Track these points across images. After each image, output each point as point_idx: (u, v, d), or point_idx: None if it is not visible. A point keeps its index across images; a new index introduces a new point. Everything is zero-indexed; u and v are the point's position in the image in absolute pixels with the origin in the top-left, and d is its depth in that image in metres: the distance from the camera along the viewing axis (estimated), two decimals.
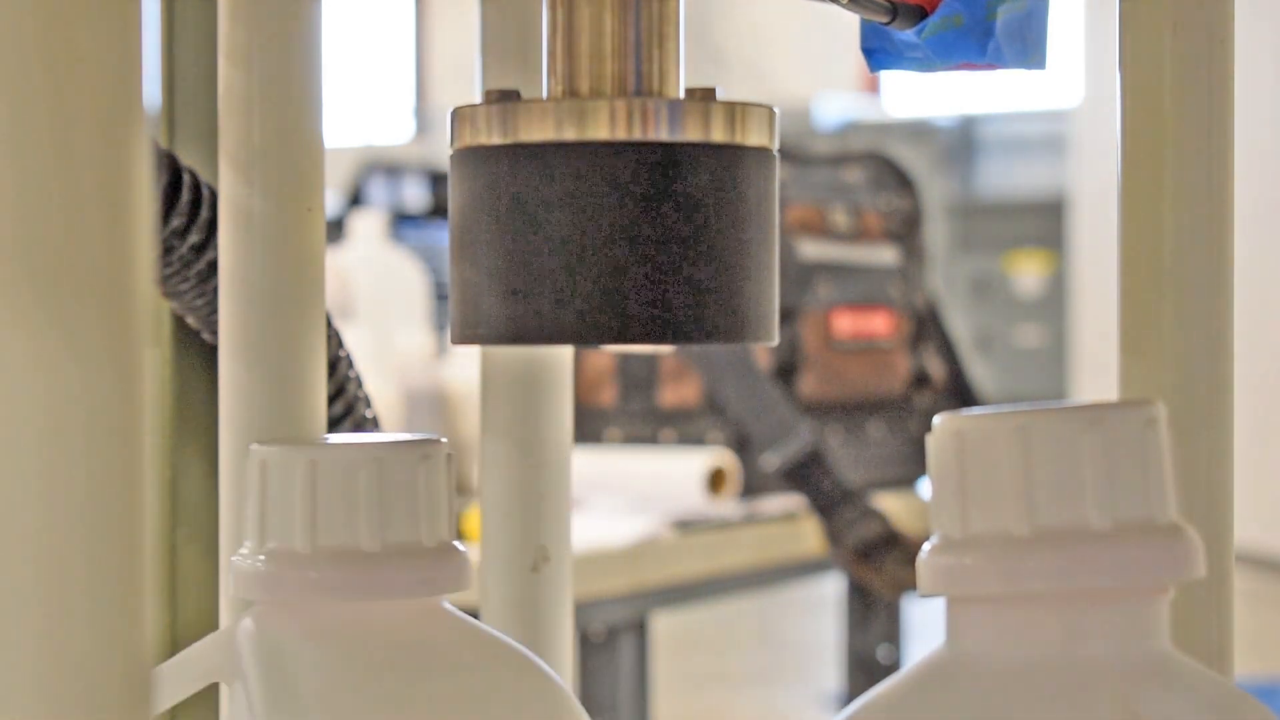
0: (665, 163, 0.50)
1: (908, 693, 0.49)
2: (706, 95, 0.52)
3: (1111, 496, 0.46)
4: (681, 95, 0.53)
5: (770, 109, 0.52)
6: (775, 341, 0.53)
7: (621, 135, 0.50)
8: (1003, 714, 0.47)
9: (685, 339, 0.51)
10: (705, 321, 0.51)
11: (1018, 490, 0.47)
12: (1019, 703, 0.47)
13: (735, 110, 0.51)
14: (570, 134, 0.50)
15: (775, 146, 0.53)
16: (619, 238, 0.50)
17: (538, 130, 0.50)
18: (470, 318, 0.52)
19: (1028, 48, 0.57)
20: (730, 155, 0.51)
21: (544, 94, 0.54)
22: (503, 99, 0.51)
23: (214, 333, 0.64)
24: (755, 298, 0.52)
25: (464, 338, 0.52)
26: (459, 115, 0.52)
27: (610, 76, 0.52)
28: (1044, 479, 0.46)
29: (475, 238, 0.51)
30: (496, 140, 0.51)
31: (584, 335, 0.50)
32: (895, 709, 0.48)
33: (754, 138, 0.52)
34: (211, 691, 0.65)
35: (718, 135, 0.51)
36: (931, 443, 0.48)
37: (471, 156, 0.51)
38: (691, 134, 0.51)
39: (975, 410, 0.48)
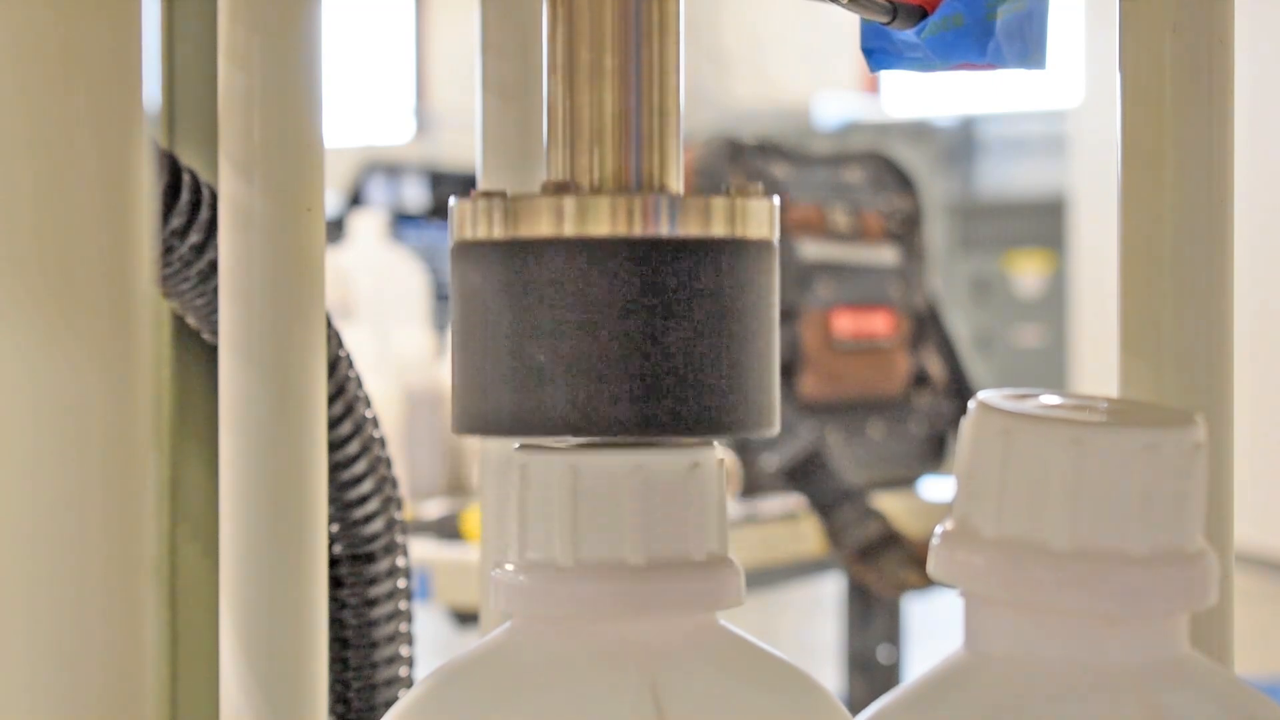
0: (665, 258, 0.50)
1: (929, 694, 0.49)
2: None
3: (1153, 521, 0.47)
4: (681, 190, 0.53)
5: (771, 201, 0.52)
6: (775, 432, 0.54)
7: (622, 231, 0.50)
8: (1029, 714, 0.47)
9: (684, 434, 0.51)
10: (705, 418, 0.51)
11: (1064, 503, 0.46)
12: (1044, 705, 0.47)
13: (736, 204, 0.51)
14: (570, 230, 0.50)
15: (775, 237, 0.53)
16: (619, 334, 0.50)
17: (538, 225, 0.51)
18: (471, 410, 0.52)
19: (1028, 48, 0.57)
20: (731, 249, 0.51)
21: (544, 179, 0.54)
22: (488, 198, 0.52)
23: (214, 333, 0.65)
24: (756, 391, 0.52)
25: (465, 428, 0.53)
26: (458, 209, 0.52)
27: (611, 170, 0.52)
28: (1092, 496, 0.46)
29: (476, 331, 0.52)
30: (497, 235, 0.51)
31: (583, 428, 0.50)
32: (917, 711, 0.49)
33: (754, 231, 0.52)
34: (212, 691, 0.65)
35: (718, 230, 0.51)
36: (969, 429, 0.48)
37: (471, 251, 0.52)
38: (692, 229, 0.51)
39: (1010, 402, 0.48)
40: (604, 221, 0.50)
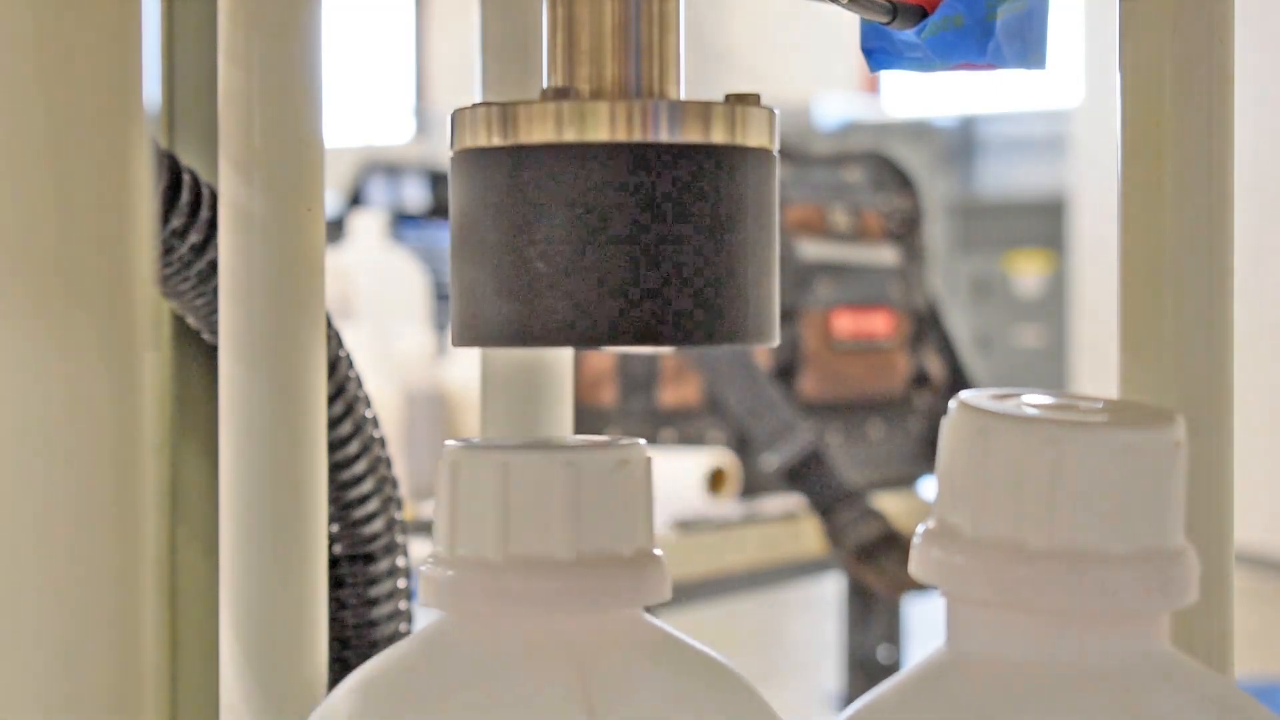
0: (665, 164, 0.50)
1: (910, 692, 0.49)
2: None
3: (1131, 520, 0.47)
4: (682, 96, 0.53)
5: (770, 110, 0.52)
6: (776, 343, 0.53)
7: (622, 136, 0.50)
8: (1007, 714, 0.47)
9: (685, 341, 0.50)
10: (705, 323, 0.51)
11: (1042, 503, 0.46)
12: (1023, 702, 0.47)
13: (735, 111, 0.51)
14: (570, 135, 0.50)
15: (775, 147, 0.53)
16: (619, 239, 0.50)
17: (537, 132, 0.50)
18: (470, 319, 0.52)
19: (1028, 47, 0.57)
20: (731, 156, 0.51)
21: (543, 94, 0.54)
22: (488, 106, 0.51)
23: (214, 333, 0.64)
24: (756, 299, 0.52)
25: (464, 339, 0.52)
26: (458, 117, 0.52)
27: (610, 77, 0.52)
28: (1069, 495, 0.46)
29: (475, 239, 0.51)
30: (496, 142, 0.51)
31: (583, 337, 0.50)
32: (898, 708, 0.49)
33: (754, 139, 0.52)
34: (212, 691, 0.65)
35: (718, 136, 0.51)
36: (950, 429, 0.48)
37: (471, 159, 0.51)
38: (692, 135, 0.50)
39: (989, 402, 0.48)
40: (603, 126, 0.50)
